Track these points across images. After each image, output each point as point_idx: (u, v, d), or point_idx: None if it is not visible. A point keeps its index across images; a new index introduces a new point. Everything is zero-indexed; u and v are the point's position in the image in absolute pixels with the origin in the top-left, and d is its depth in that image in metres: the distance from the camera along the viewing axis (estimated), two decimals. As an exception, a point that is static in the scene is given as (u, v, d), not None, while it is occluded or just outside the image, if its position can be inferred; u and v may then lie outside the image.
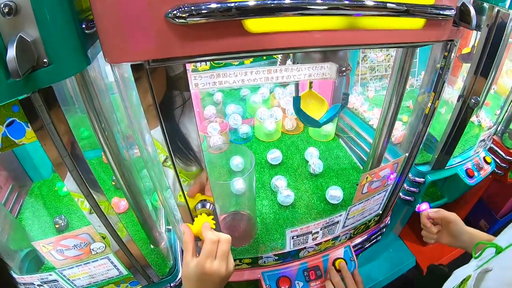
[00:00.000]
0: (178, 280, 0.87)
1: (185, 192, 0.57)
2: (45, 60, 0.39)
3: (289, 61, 0.59)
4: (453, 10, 0.51)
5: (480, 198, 1.60)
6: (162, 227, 0.97)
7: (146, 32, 0.37)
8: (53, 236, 0.97)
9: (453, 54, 0.61)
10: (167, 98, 0.43)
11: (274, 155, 1.18)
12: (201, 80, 0.42)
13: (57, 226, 0.97)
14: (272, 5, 0.36)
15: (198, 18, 0.35)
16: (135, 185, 0.77)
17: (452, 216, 0.84)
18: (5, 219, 0.92)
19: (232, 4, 0.34)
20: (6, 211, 0.97)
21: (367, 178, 0.68)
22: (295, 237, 0.75)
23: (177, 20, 0.35)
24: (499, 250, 0.52)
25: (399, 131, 1.13)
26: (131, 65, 0.41)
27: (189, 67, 0.41)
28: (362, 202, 0.77)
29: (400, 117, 1.29)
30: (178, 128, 0.48)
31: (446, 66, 0.63)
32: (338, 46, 0.47)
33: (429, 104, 0.70)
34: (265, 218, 0.98)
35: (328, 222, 0.76)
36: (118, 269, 0.75)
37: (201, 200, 0.60)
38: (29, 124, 0.44)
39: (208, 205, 0.59)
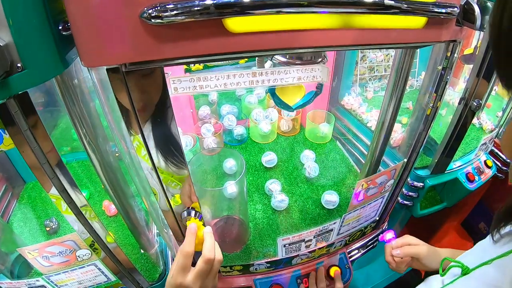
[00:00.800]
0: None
1: (170, 199, 0.54)
2: (19, 65, 0.37)
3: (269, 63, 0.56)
4: (456, 9, 0.48)
5: (480, 200, 1.57)
6: (153, 231, 0.94)
7: (121, 33, 0.34)
8: (44, 238, 0.97)
9: (455, 55, 0.58)
10: (146, 104, 0.41)
11: (269, 158, 1.16)
12: (181, 84, 0.40)
13: (47, 229, 0.95)
14: (256, 2, 0.33)
15: (174, 18, 0.32)
16: (122, 189, 0.75)
17: (419, 250, 0.75)
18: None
19: (211, 2, 0.31)
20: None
21: (362, 185, 0.66)
22: (287, 245, 0.73)
23: (152, 20, 0.32)
24: (465, 272, 0.50)
25: (398, 133, 1.10)
26: (107, 69, 0.38)
27: (169, 69, 0.38)
28: (357, 210, 0.75)
29: (399, 118, 1.26)
30: (159, 134, 0.45)
31: (448, 67, 0.60)
32: (332, 47, 0.44)
33: (430, 105, 0.67)
34: (258, 223, 0.95)
35: (321, 230, 0.73)
36: (106, 275, 0.73)
37: (187, 208, 0.57)
38: (6, 131, 0.42)
39: (193, 213, 0.57)
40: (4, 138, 0.43)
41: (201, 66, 1.16)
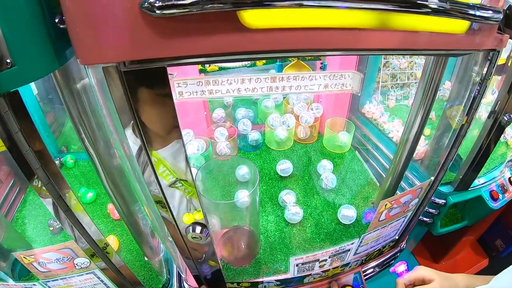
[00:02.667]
0: (171, 298, 0.81)
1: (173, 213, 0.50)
2: (8, 60, 0.33)
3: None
4: (500, 14, 0.42)
5: (497, 217, 1.48)
6: (158, 239, 0.90)
7: (119, 26, 0.30)
8: (47, 238, 0.95)
9: (494, 66, 0.51)
10: (147, 109, 0.36)
11: (284, 167, 1.10)
12: (187, 88, 0.35)
13: (51, 228, 0.93)
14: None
15: (180, 9, 0.27)
16: (124, 194, 0.72)
17: (430, 275, 0.67)
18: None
19: (223, -9, 0.27)
20: (-1, 213, 0.94)
21: (386, 205, 0.59)
22: (300, 264, 0.67)
23: (154, 12, 0.28)
24: None
25: (422, 146, 1.02)
26: (103, 68, 0.34)
27: (177, 70, 0.34)
28: (378, 230, 0.68)
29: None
30: (161, 144, 0.40)
31: (486, 78, 0.53)
32: (361, 50, 0.38)
33: (461, 120, 0.60)
34: (270, 236, 0.89)
35: (338, 250, 0.67)
36: (105, 284, 0.69)
37: (193, 223, 0.52)
38: (-5, 133, 0.39)
39: (198, 229, 0.52)
40: (-5, 140, 0.40)
41: (216, 67, 1.12)
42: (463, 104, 0.61)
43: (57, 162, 1.15)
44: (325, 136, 1.25)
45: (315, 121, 1.23)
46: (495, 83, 0.98)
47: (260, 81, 0.35)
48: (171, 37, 0.30)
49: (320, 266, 0.72)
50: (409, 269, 0.71)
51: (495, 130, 0.89)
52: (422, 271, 0.68)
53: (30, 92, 1.02)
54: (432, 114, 1.28)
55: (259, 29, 0.31)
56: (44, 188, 0.46)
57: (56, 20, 0.35)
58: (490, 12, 0.41)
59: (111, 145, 0.66)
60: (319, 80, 0.38)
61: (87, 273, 0.64)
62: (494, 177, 1.12)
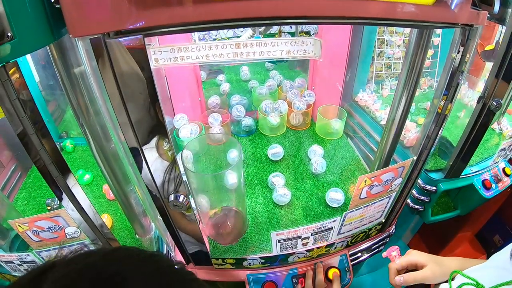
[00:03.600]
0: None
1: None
2: (9, 34, 0.37)
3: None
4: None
5: (496, 211, 1.48)
6: (149, 218, 0.93)
7: (103, 1, 0.32)
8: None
9: (473, 43, 0.52)
10: (129, 77, 0.38)
11: (275, 151, 1.12)
12: (161, 55, 0.37)
13: (48, 208, 0.95)
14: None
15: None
16: (118, 174, 0.73)
17: (425, 275, 0.66)
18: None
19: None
20: (-1, 192, 0.97)
21: (365, 181, 0.60)
22: (282, 240, 0.69)
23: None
24: None
25: (413, 133, 1.03)
26: (90, 40, 0.37)
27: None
28: (360, 208, 0.69)
29: (415, 118, 1.19)
30: (143, 110, 0.42)
31: (463, 56, 0.54)
32: (326, 18, 0.39)
33: (442, 102, 0.61)
34: (258, 216, 0.91)
35: (319, 228, 0.69)
36: None
37: (175, 192, 0.54)
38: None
39: (181, 197, 0.54)
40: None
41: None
42: (445, 85, 0.62)
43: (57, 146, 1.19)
44: (317, 123, 1.26)
45: (308, 107, 1.24)
46: (488, 73, 0.98)
47: (226, 47, 0.37)
48: (149, 7, 0.32)
49: (303, 244, 0.74)
50: (402, 254, 0.72)
51: (484, 115, 0.90)
52: (414, 256, 0.68)
53: (32, 79, 1.04)
54: (427, 104, 1.29)
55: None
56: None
57: (52, 0, 0.39)
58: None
59: (107, 129, 0.68)
60: (281, 46, 0.39)
61: (77, 244, 0.67)
62: (487, 167, 1.12)
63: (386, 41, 1.28)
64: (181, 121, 1.14)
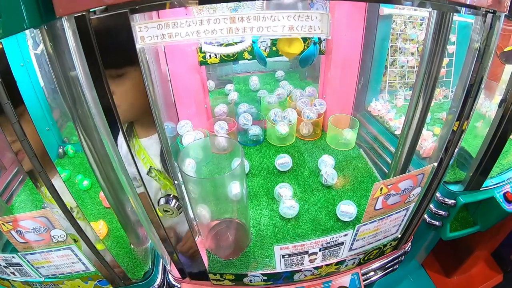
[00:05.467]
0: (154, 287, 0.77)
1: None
2: None
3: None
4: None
5: None
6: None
7: None
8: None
9: (496, 32, 0.46)
10: (113, 57, 0.34)
11: (283, 161, 1.06)
12: (148, 32, 0.33)
13: None
14: None
15: None
16: (113, 181, 0.69)
17: None
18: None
19: None
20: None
21: (381, 189, 0.54)
22: (286, 256, 0.62)
23: None
24: None
25: (429, 142, 0.96)
26: (75, 18, 0.34)
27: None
28: (375, 221, 0.62)
29: (431, 128, 1.12)
30: (127, 93, 0.38)
31: (487, 46, 0.48)
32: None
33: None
34: (262, 230, 0.85)
35: (329, 242, 0.62)
36: (84, 263, 0.67)
37: (166, 195, 0.49)
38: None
39: (173, 202, 0.48)
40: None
41: (217, 59, 1.10)
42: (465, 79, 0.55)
43: (60, 150, 1.17)
44: (328, 133, 1.20)
45: (318, 117, 1.19)
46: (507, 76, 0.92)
47: (219, 22, 0.32)
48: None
49: (311, 261, 0.67)
50: (414, 274, 0.65)
51: (504, 124, 0.82)
52: None
53: (37, 83, 1.03)
54: (443, 114, 1.22)
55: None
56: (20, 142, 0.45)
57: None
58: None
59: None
60: (283, 21, 0.34)
61: (64, 248, 0.63)
62: (509, 178, 1.03)
63: (400, 48, 1.23)
64: (185, 127, 1.10)
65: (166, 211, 0.49)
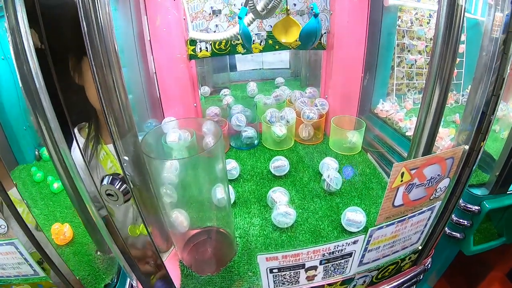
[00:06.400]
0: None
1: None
2: None
3: None
4: None
5: None
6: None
7: None
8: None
9: None
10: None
11: (279, 164, 0.92)
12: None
13: None
14: None
15: None
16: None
17: None
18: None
19: None
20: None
21: (403, 174, 0.40)
22: (275, 270, 0.47)
23: None
24: None
25: (446, 141, 0.83)
26: None
27: None
28: (393, 223, 0.48)
29: (444, 130, 0.99)
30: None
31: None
32: None
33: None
34: (250, 241, 0.70)
35: (333, 252, 0.47)
36: (31, 265, 0.55)
37: (112, 174, 0.36)
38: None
39: (117, 183, 0.35)
40: None
41: (208, 52, 1.00)
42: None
43: (36, 153, 1.08)
44: (331, 136, 1.08)
45: (320, 118, 1.07)
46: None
47: None
48: None
49: (309, 279, 0.52)
50: None
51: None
52: None
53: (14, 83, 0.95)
54: (456, 117, 1.10)
55: None
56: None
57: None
58: None
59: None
60: None
61: (6, 243, 0.51)
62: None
63: (407, 46, 1.13)
64: (169, 125, 0.98)
65: (110, 195, 0.36)
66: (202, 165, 0.57)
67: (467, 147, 0.46)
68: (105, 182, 0.35)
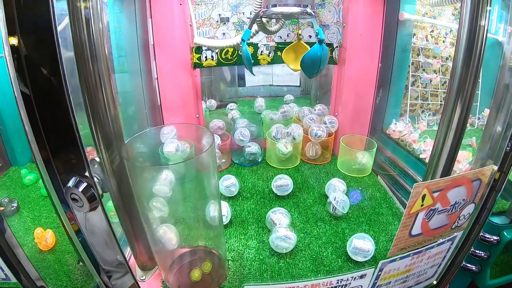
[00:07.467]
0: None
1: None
2: None
3: None
4: None
5: None
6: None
7: None
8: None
9: None
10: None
11: (282, 183, 0.86)
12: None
13: (1, 208, 0.81)
14: None
15: None
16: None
17: None
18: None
19: None
20: None
21: (424, 196, 0.34)
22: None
23: None
24: None
25: (464, 165, 0.76)
26: None
27: None
28: (408, 256, 0.41)
29: (463, 154, 0.91)
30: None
31: None
32: None
33: None
34: (244, 265, 0.63)
35: (335, 287, 0.40)
36: (2, 269, 0.50)
37: (81, 176, 0.30)
38: None
39: (83, 186, 0.30)
40: None
41: (214, 61, 0.97)
42: None
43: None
44: (340, 156, 1.01)
45: (328, 136, 1.01)
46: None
47: None
48: None
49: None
50: None
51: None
52: None
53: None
54: (472, 140, 1.02)
55: None
56: None
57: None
58: None
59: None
60: None
61: None
62: None
63: (422, 64, 1.08)
64: (169, 135, 0.94)
65: (74, 199, 0.30)
66: (190, 177, 0.52)
67: (495, 167, 0.39)
68: (70, 183, 0.30)
